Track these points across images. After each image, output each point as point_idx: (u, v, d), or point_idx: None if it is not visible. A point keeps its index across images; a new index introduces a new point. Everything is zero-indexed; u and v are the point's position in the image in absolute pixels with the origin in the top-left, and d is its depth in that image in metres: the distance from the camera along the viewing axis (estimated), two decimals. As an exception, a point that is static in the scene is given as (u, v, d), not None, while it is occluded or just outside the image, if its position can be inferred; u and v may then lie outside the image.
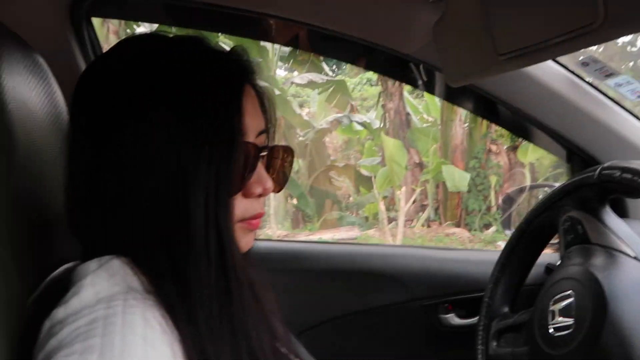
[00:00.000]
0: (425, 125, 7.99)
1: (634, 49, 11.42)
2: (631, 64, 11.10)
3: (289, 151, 0.56)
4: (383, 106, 7.66)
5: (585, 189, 0.73)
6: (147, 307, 0.41)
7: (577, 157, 1.04)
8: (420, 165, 7.44)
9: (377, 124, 7.99)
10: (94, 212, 0.47)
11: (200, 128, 0.45)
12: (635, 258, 0.65)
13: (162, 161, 0.44)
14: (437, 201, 7.32)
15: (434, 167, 6.95)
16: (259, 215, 0.51)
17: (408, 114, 7.63)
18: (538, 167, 7.15)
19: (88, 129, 0.47)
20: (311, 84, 7.90)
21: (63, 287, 0.44)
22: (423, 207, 7.48)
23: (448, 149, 7.08)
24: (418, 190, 7.26)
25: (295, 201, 8.04)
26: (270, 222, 7.52)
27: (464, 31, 0.73)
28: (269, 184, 0.51)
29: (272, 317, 0.50)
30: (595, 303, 0.62)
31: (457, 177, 6.46)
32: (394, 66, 1.18)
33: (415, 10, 0.88)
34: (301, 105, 9.70)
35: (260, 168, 0.51)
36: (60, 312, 0.41)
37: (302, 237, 6.75)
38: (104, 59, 0.51)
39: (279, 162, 0.55)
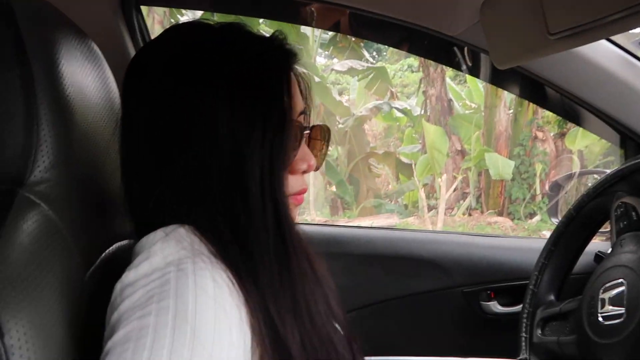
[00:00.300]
0: (467, 111, 7.79)
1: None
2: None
3: (326, 130, 0.59)
4: (424, 92, 7.52)
5: (641, 173, 0.70)
6: (215, 269, 0.43)
7: (631, 141, 1.00)
8: (462, 153, 7.28)
9: (417, 111, 7.86)
10: (151, 189, 0.49)
11: (253, 108, 0.47)
12: (694, 246, 0.62)
13: (218, 140, 0.47)
14: (479, 189, 7.16)
15: (476, 155, 6.79)
16: (303, 191, 0.54)
17: (450, 100, 7.46)
18: (587, 155, 6.85)
19: (141, 111, 0.50)
20: (351, 71, 7.84)
21: (119, 263, 0.47)
22: (464, 195, 7.33)
23: (491, 136, 6.89)
24: (459, 178, 7.12)
25: (334, 188, 8.05)
26: (310, 208, 7.58)
27: (513, 10, 0.70)
28: (313, 160, 0.54)
29: (327, 286, 0.52)
30: (649, 292, 0.60)
31: (501, 165, 6.29)
32: (437, 49, 1.16)
33: (461, -10, 0.86)
34: (341, 93, 9.66)
35: (304, 146, 0.54)
36: (131, 275, 0.43)
37: (341, 223, 6.77)
38: (155, 44, 0.53)
39: (318, 141, 0.58)
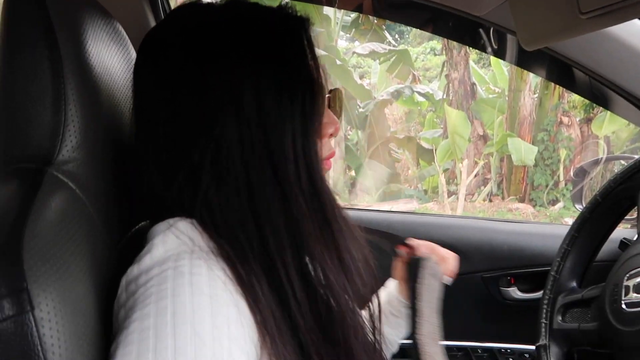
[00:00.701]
0: (491, 96, 7.65)
1: None
2: None
3: (341, 93, 0.58)
4: (447, 76, 7.40)
5: (672, 159, 0.68)
6: (211, 267, 0.43)
7: (662, 126, 0.97)
8: (484, 138, 7.17)
9: (439, 95, 7.75)
10: (171, 175, 0.48)
11: (278, 74, 0.47)
12: None
13: (245, 114, 0.46)
14: (501, 175, 7.06)
15: (499, 140, 6.68)
16: (331, 155, 0.55)
17: (473, 84, 7.33)
18: (614, 141, 6.67)
19: (159, 94, 0.49)
20: (373, 54, 7.75)
21: (142, 241, 0.47)
22: (485, 181, 7.24)
23: (515, 120, 6.76)
24: (481, 163, 7.03)
25: (353, 173, 8.04)
26: (328, 192, 7.56)
27: (542, -12, 0.68)
28: (338, 123, 0.54)
29: (361, 238, 0.53)
30: (676, 280, 0.58)
31: (524, 151, 6.18)
32: (463, 30, 1.14)
33: (489, -31, 0.84)
34: (362, 76, 9.57)
35: (327, 109, 0.54)
36: (135, 270, 0.43)
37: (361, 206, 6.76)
38: (165, 27, 0.52)
39: (337, 104, 0.57)
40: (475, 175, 7.01)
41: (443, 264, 0.70)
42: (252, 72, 0.47)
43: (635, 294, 0.63)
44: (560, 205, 6.42)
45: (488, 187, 7.05)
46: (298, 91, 0.48)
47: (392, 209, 6.09)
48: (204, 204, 0.46)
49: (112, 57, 0.55)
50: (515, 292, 1.11)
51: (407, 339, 0.66)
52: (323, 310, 0.46)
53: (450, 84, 7.29)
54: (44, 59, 0.43)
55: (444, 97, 7.50)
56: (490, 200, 6.91)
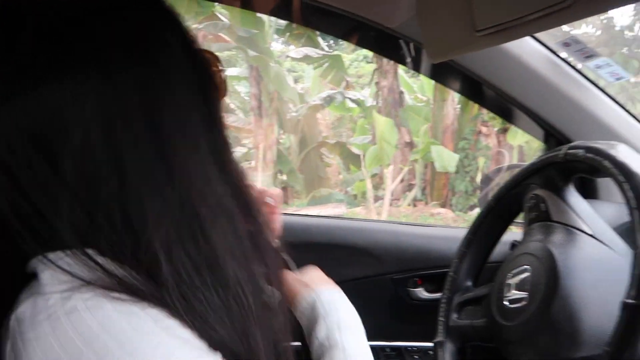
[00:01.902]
0: (418, 104, 7.98)
1: (630, 34, 11.31)
2: (625, 49, 10.95)
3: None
4: (377, 84, 7.62)
5: (552, 167, 0.74)
6: (110, 304, 0.37)
7: (553, 138, 1.05)
8: (411, 145, 7.46)
9: (370, 102, 7.97)
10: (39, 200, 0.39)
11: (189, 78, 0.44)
12: (591, 236, 0.67)
13: (124, 120, 0.40)
14: (425, 181, 7.37)
15: (423, 147, 6.97)
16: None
17: (402, 92, 7.61)
18: (527, 150, 7.20)
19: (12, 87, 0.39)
20: (307, 59, 7.82)
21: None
22: (410, 187, 7.53)
23: (439, 129, 7.09)
24: (406, 169, 7.29)
25: (284, 177, 8.04)
26: (259, 195, 7.51)
27: (444, 5, 0.72)
28: (224, 82, 0.52)
29: (266, 232, 0.50)
30: (549, 278, 0.64)
31: (446, 158, 6.50)
32: (383, 42, 1.16)
33: (398, -18, 0.87)
34: (296, 81, 9.62)
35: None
36: (27, 312, 0.38)
37: (290, 211, 6.77)
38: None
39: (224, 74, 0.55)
40: (401, 181, 7.27)
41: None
42: (134, 77, 0.40)
43: (515, 291, 0.68)
44: (477, 210, 6.81)
45: (413, 193, 7.34)
46: (201, 87, 0.45)
47: (321, 213, 6.16)
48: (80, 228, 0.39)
49: None
50: (422, 293, 1.15)
51: None
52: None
53: (380, 92, 7.51)
54: None
55: (374, 104, 7.72)
56: (415, 205, 7.19)
